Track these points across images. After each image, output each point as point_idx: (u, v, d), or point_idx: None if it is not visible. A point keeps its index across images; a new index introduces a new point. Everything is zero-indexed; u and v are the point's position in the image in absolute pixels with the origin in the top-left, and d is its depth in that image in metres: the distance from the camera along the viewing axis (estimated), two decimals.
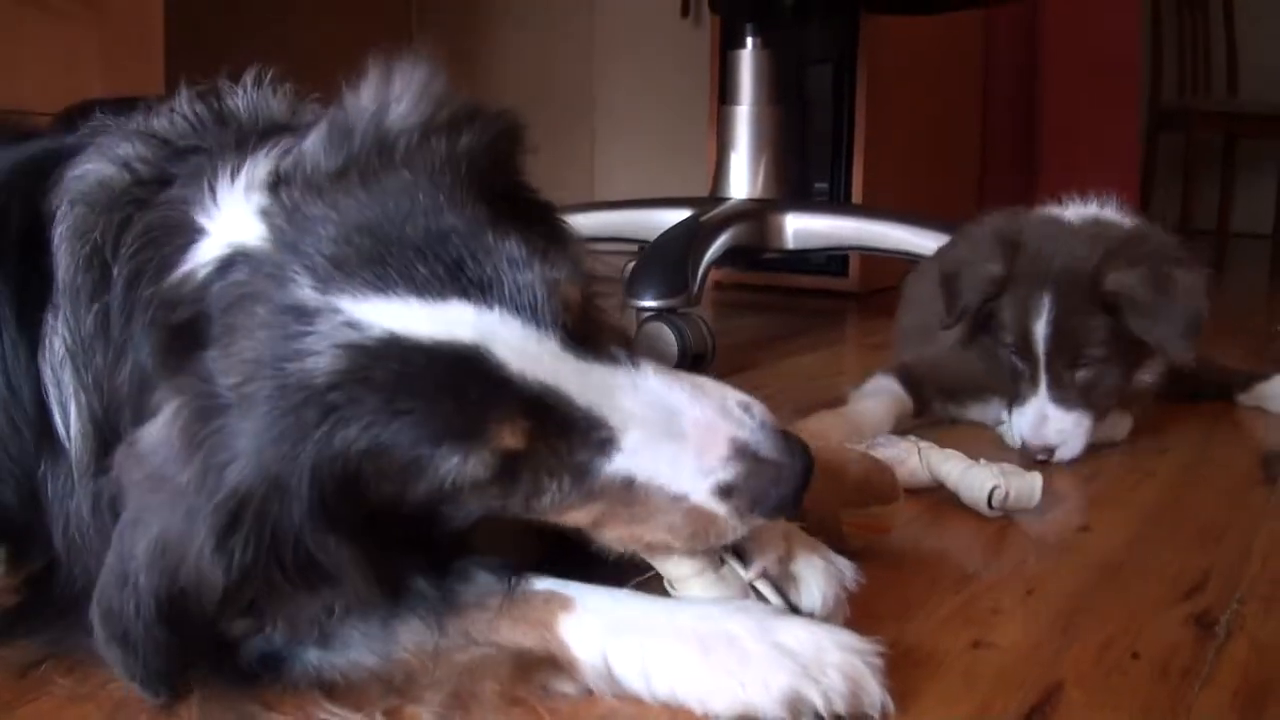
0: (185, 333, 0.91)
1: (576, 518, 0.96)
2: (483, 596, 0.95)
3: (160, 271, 0.96)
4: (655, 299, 2.11)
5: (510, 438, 0.87)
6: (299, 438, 0.85)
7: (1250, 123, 6.39)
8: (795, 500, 0.93)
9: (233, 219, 0.94)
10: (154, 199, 1.01)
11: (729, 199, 2.68)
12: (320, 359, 0.85)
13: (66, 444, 1.00)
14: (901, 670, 0.96)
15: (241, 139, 1.03)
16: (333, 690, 0.93)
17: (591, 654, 0.93)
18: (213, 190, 0.96)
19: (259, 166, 0.97)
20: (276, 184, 0.94)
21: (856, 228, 2.57)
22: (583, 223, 2.72)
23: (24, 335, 1.02)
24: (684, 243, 2.27)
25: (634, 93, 4.35)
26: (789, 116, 3.24)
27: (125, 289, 0.98)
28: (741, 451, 0.92)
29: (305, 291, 0.87)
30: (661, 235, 2.33)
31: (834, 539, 1.22)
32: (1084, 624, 1.12)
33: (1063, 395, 1.65)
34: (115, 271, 0.99)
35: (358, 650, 0.94)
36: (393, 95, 0.98)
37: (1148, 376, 1.74)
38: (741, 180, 2.71)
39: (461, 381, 0.85)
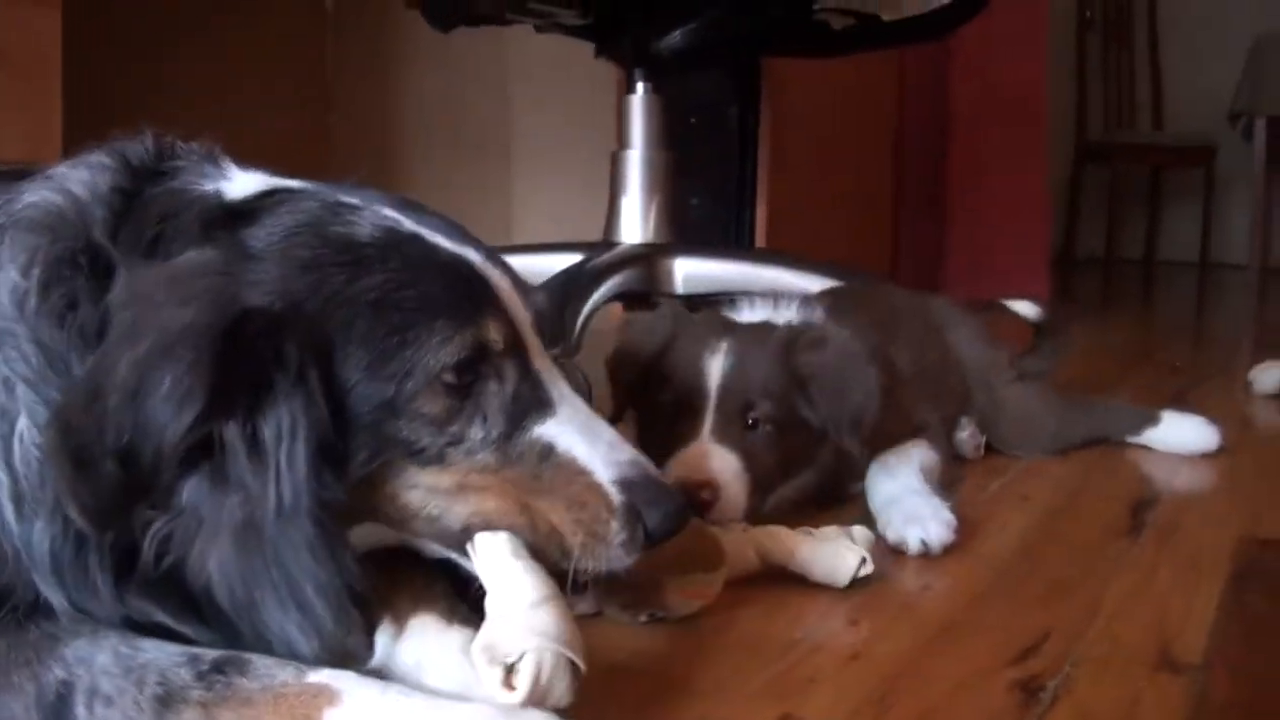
0: (229, 214, 0.99)
1: (477, 484, 1.00)
2: (253, 692, 0.90)
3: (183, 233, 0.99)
4: None
5: (492, 333, 0.98)
6: (326, 275, 0.93)
7: (1175, 154, 6.51)
8: (679, 522, 1.03)
9: (256, 179, 1.04)
10: (146, 190, 1.01)
11: (620, 244, 2.65)
12: (362, 228, 0.97)
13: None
14: None
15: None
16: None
17: None
18: (221, 170, 1.05)
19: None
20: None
21: (746, 272, 2.53)
22: None
23: None
24: (562, 291, 2.23)
25: (550, 135, 4.31)
26: (692, 159, 3.23)
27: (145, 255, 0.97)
28: (641, 465, 1.04)
29: (352, 200, 1.01)
30: (543, 283, 2.29)
31: (658, 606, 1.20)
32: (904, 691, 1.09)
33: (727, 437, 1.49)
34: (114, 258, 0.96)
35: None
36: None
37: (798, 483, 1.60)
38: (633, 225, 2.68)
39: (467, 280, 0.99)
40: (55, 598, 0.93)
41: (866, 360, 1.60)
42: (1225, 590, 1.38)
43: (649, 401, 1.60)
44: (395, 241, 0.98)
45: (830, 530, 1.38)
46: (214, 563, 0.90)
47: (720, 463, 1.47)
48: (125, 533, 0.91)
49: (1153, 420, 2.05)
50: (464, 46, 4.08)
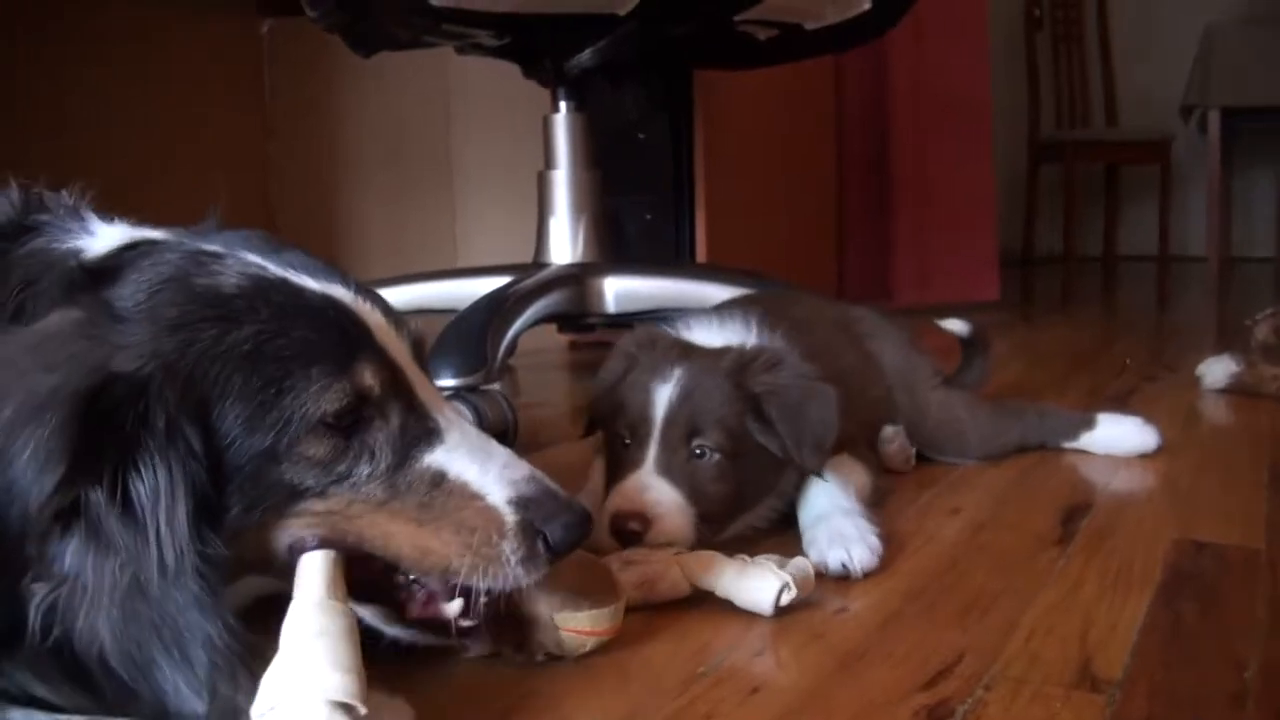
0: (93, 273, 0.97)
1: (356, 514, 0.99)
2: None
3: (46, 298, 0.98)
4: (451, 377, 2.01)
5: (369, 377, 0.97)
6: (195, 333, 0.92)
7: (1130, 150, 6.50)
8: (581, 533, 1.04)
9: (118, 232, 1.03)
10: (11, 250, 1.00)
11: (550, 265, 2.61)
12: (228, 278, 0.96)
13: None
14: None
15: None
16: None
17: None
18: (84, 223, 1.04)
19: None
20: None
21: (681, 289, 2.49)
22: (402, 295, 2.64)
23: None
24: (485, 316, 2.18)
25: (492, 155, 4.26)
26: (629, 174, 3.19)
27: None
28: (538, 481, 1.04)
29: (214, 248, 0.99)
30: (464, 309, 2.24)
31: (549, 646, 1.15)
32: None
33: (670, 468, 1.46)
34: None
35: None
36: None
37: (761, 511, 1.59)
38: (563, 245, 2.64)
39: (339, 323, 0.98)
40: None
41: (823, 379, 1.57)
42: (1155, 599, 1.34)
43: (609, 431, 1.58)
44: (262, 289, 0.97)
45: (762, 558, 1.33)
46: (104, 628, 0.87)
47: (656, 494, 1.44)
48: (6, 605, 0.88)
49: (1088, 424, 2.01)
50: (404, 68, 4.05)
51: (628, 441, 1.51)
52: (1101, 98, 6.72)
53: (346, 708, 0.87)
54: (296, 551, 0.99)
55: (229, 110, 4.38)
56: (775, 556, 1.34)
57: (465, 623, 1.05)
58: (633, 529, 1.40)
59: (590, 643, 1.16)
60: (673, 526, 1.43)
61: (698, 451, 1.48)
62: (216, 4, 4.33)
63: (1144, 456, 1.99)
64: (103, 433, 0.86)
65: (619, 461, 1.52)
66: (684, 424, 1.48)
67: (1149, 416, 2.06)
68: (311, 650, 0.89)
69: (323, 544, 0.99)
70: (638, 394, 1.52)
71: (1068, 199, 6.27)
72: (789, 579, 1.28)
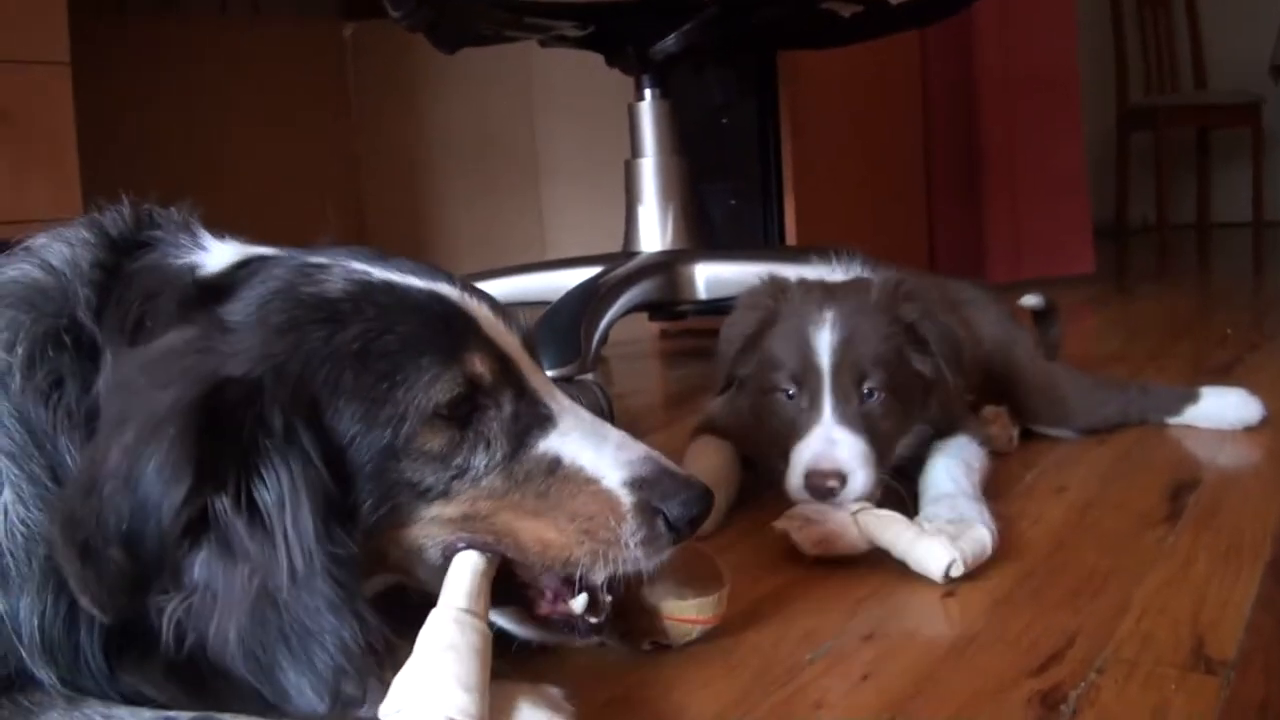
0: (206, 291, 0.99)
1: (486, 511, 1.00)
2: None
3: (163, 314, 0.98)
4: (547, 368, 2.02)
5: (480, 364, 0.98)
6: (304, 335, 0.93)
7: (1221, 114, 6.37)
8: (701, 512, 1.02)
9: (231, 249, 1.04)
10: (126, 264, 1.01)
11: (639, 253, 2.61)
12: (333, 284, 0.97)
13: None
14: None
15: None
16: None
17: None
18: (196, 239, 1.05)
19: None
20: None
21: (771, 272, 2.48)
22: (493, 289, 2.64)
23: None
24: (578, 306, 2.19)
25: (576, 146, 4.28)
26: (718, 160, 3.18)
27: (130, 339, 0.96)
28: (654, 460, 1.03)
29: (320, 260, 1.01)
30: (557, 301, 2.25)
31: (657, 634, 1.16)
32: (916, 713, 1.03)
33: (848, 418, 1.49)
34: (99, 340, 0.96)
35: None
36: None
37: (909, 440, 1.62)
38: (652, 233, 2.64)
39: (445, 316, 0.99)
40: (45, 675, 0.92)
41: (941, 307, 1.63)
42: (1266, 575, 1.31)
43: (761, 384, 1.59)
44: (367, 291, 0.98)
45: (945, 517, 1.40)
46: (232, 634, 0.89)
47: (846, 451, 1.47)
48: (137, 618, 0.90)
49: (1191, 398, 1.98)
50: (487, 64, 4.07)
51: (791, 394, 1.53)
52: (1190, 61, 6.57)
53: None
54: (449, 556, 1.00)
55: (316, 112, 4.45)
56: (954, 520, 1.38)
57: (592, 619, 1.06)
58: (831, 487, 1.44)
59: (696, 631, 1.17)
60: (867, 481, 1.46)
61: (867, 393, 1.51)
62: (299, 12, 4.39)
63: (1249, 429, 1.96)
64: (222, 439, 0.88)
65: (783, 416, 1.53)
66: (852, 368, 1.50)
67: (1253, 387, 2.02)
68: (440, 663, 0.90)
69: (470, 547, 1.00)
70: (794, 344, 1.53)
71: (1159, 166, 6.15)
72: (957, 556, 1.31)
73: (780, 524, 1.42)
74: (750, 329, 1.60)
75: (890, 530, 1.36)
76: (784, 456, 1.52)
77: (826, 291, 1.59)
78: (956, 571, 1.31)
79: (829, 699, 1.07)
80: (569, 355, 2.06)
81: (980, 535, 1.36)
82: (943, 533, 1.35)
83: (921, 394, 1.59)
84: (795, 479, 1.48)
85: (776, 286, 1.64)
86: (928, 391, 1.59)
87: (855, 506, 1.41)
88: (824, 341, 1.50)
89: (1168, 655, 1.12)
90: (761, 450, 1.64)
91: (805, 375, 1.51)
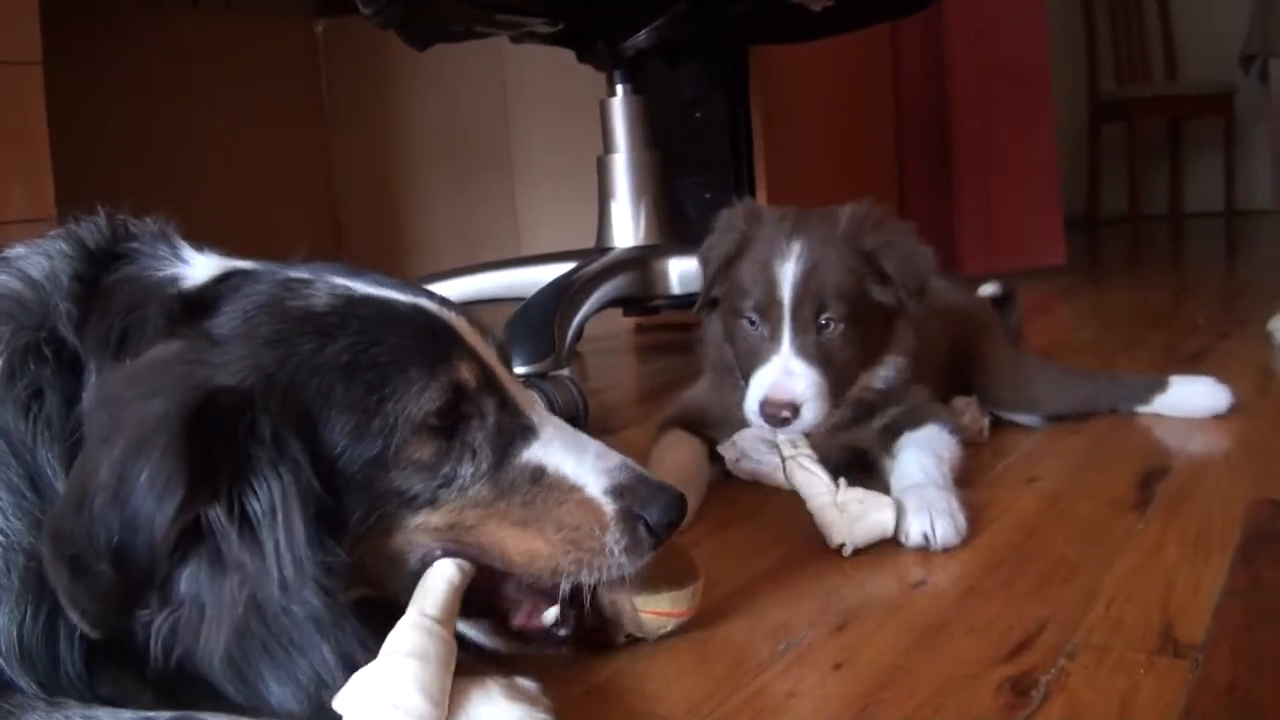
0: (190, 303, 0.99)
1: (472, 521, 1.01)
2: None
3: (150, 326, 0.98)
4: (521, 364, 2.03)
5: (465, 372, 0.99)
6: (293, 348, 0.94)
7: (1192, 104, 6.37)
8: (677, 516, 1.05)
9: (211, 262, 1.04)
10: (104, 277, 1.01)
11: (613, 249, 2.62)
12: (319, 298, 0.99)
13: None
14: None
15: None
16: None
17: None
18: (175, 250, 1.05)
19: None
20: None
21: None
22: (467, 285, 2.66)
23: None
24: (552, 303, 2.20)
25: (551, 143, 4.28)
26: (690, 155, 3.19)
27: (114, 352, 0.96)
28: (630, 468, 1.05)
29: (303, 274, 1.02)
30: (531, 297, 2.26)
31: (630, 628, 1.16)
32: (888, 701, 1.04)
33: (805, 349, 1.54)
34: (82, 354, 0.97)
35: None
36: None
37: (881, 373, 1.66)
38: (625, 229, 2.65)
39: (430, 329, 1.01)
40: (23, 683, 0.92)
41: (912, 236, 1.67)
42: (1235, 561, 1.33)
43: (731, 307, 1.63)
44: (352, 305, 0.99)
45: (859, 494, 1.44)
46: (221, 648, 0.89)
47: (801, 383, 1.52)
48: (126, 632, 0.90)
49: (1160, 387, 1.99)
50: (461, 60, 4.06)
51: (754, 322, 1.57)
52: (1161, 51, 6.60)
53: None
54: (428, 564, 1.01)
55: (288, 108, 4.43)
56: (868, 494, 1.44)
57: (561, 631, 1.08)
58: (785, 417, 1.50)
59: (670, 624, 1.18)
60: (818, 412, 1.52)
61: (824, 323, 1.54)
62: (272, 9, 4.38)
63: (1218, 417, 1.97)
64: (214, 449, 0.88)
65: (746, 343, 1.59)
66: (812, 300, 1.54)
67: (1223, 376, 2.03)
68: (402, 668, 0.91)
69: (447, 555, 1.01)
70: (760, 273, 1.57)
71: (1131, 157, 6.17)
72: (848, 542, 1.41)
73: (721, 449, 1.63)
74: (727, 250, 1.64)
75: (809, 489, 1.46)
76: (748, 379, 1.58)
77: (796, 222, 1.61)
78: (847, 553, 1.40)
79: (801, 689, 1.08)
80: (543, 351, 2.07)
81: (881, 520, 1.41)
82: (846, 511, 1.41)
83: (883, 324, 1.62)
84: (752, 405, 1.53)
85: (751, 211, 1.67)
86: (890, 321, 1.63)
87: (790, 452, 1.49)
88: (787, 274, 1.54)
89: (1137, 640, 1.14)
90: (715, 421, 1.72)
91: (768, 307, 1.55)
